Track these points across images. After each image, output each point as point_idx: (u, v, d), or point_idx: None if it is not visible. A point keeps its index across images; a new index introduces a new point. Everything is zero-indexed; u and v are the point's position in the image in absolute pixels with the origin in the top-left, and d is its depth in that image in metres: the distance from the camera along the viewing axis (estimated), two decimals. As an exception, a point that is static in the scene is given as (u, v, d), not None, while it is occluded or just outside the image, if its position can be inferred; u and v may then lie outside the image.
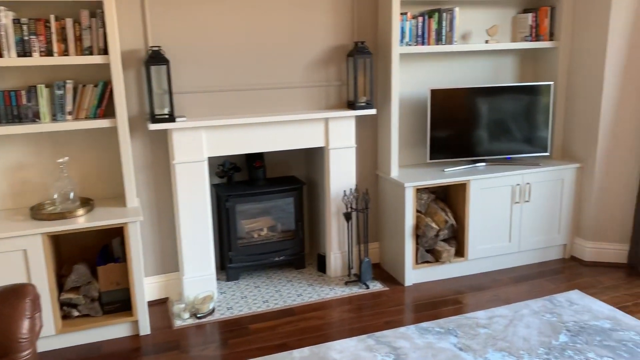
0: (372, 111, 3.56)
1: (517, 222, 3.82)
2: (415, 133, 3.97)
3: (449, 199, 3.86)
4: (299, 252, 3.88)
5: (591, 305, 3.26)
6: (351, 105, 3.60)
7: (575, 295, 3.41)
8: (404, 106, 3.89)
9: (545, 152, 3.95)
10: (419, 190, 3.67)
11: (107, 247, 3.25)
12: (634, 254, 3.75)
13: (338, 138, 3.59)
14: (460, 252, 3.78)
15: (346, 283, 3.67)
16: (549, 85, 3.85)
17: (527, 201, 3.80)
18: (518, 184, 3.76)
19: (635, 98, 3.62)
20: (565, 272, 3.80)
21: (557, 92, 3.99)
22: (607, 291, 3.47)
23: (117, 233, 3.18)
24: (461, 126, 3.80)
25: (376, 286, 3.64)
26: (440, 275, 3.75)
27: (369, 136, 3.86)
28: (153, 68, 3.14)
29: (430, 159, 3.80)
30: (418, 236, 3.64)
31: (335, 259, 3.76)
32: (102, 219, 2.92)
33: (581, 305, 3.27)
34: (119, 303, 3.10)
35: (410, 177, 3.64)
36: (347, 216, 3.56)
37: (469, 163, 3.95)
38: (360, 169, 3.88)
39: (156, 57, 3.09)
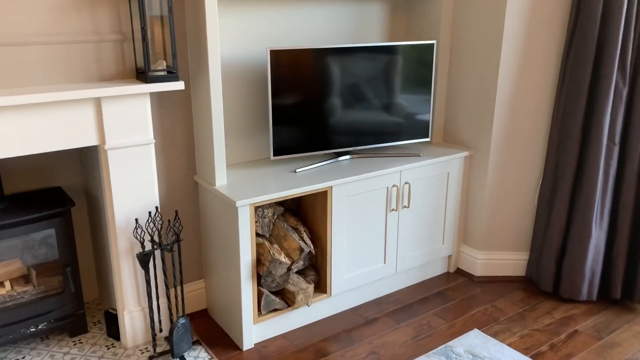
0: (177, 85, 2.18)
1: (394, 236, 2.78)
2: (255, 115, 2.68)
3: (304, 210, 2.68)
4: (74, 312, 2.43)
5: (500, 358, 2.36)
6: (142, 74, 2.17)
7: (476, 339, 2.49)
8: (235, 75, 2.56)
9: (426, 137, 2.93)
10: (260, 207, 2.42)
11: None
12: (533, 265, 2.94)
13: (122, 130, 2.16)
14: (320, 286, 2.65)
15: (151, 359, 2.33)
16: (431, 45, 2.79)
17: (405, 207, 2.77)
18: (395, 185, 2.69)
19: (542, 62, 2.72)
20: (455, 296, 2.88)
21: (439, 54, 2.96)
22: (513, 326, 2.60)
23: None
24: (316, 105, 2.60)
25: (200, 358, 2.36)
26: (294, 324, 2.59)
27: (181, 123, 2.49)
28: None
29: (276, 154, 2.56)
30: (261, 276, 2.41)
31: (133, 320, 2.39)
32: None
33: (488, 359, 2.35)
34: None
35: (245, 186, 2.36)
36: (143, 260, 2.18)
37: (328, 157, 2.78)
38: (168, 175, 2.51)
39: None
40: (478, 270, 3.04)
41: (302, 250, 2.44)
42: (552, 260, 2.81)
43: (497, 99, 2.77)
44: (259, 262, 2.38)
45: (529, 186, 2.91)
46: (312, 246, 2.52)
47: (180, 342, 2.29)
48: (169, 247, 2.20)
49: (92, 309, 2.69)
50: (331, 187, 2.46)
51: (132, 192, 2.23)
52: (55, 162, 2.45)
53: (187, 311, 2.68)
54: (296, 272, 2.59)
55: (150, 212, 2.23)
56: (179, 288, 2.58)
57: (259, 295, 2.41)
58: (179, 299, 2.54)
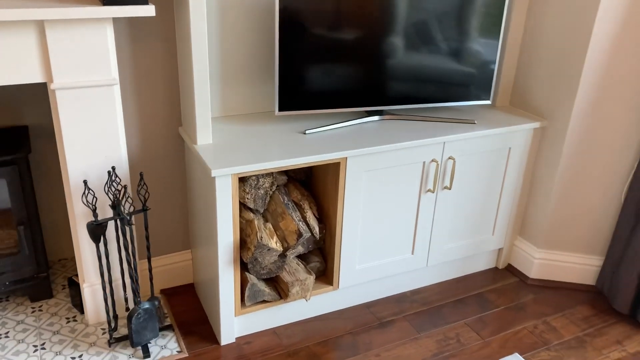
0: (145, 9, 1.64)
1: (427, 222, 2.20)
2: (260, 54, 2.11)
3: (315, 180, 2.14)
4: (34, 275, 2.08)
5: (544, 403, 1.80)
6: (102, -7, 1.66)
7: (515, 369, 1.93)
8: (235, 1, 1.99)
9: (486, 98, 2.26)
10: (250, 177, 1.90)
11: None
12: (607, 274, 2.29)
13: (75, 65, 1.68)
14: (327, 275, 2.16)
15: (110, 343, 1.96)
16: (506, -25, 2.07)
17: (446, 187, 2.17)
18: (434, 160, 2.09)
19: (658, 11, 1.94)
20: (500, 302, 2.30)
21: (516, -11, 2.23)
22: (567, 356, 2.01)
23: None
24: (339, 44, 1.99)
25: (167, 349, 1.96)
26: (289, 317, 2.13)
27: (162, 60, 1.97)
28: None
29: (282, 109, 2.01)
30: (246, 263, 1.94)
31: (95, 294, 2.01)
32: None
33: (526, 403, 1.80)
34: None
35: (234, 148, 1.85)
36: (94, 231, 1.75)
37: (351, 117, 2.20)
38: (145, 126, 2.02)
39: None
40: (534, 272, 2.43)
41: (300, 233, 1.93)
42: (634, 273, 2.15)
43: (589, 54, 2.04)
44: (244, 244, 1.90)
45: (615, 175, 2.20)
46: (316, 229, 2.00)
47: (141, 329, 1.90)
48: (127, 218, 1.75)
49: (68, 267, 2.35)
50: (345, 158, 1.90)
51: (90, 145, 1.78)
52: (23, 95, 2.04)
53: (170, 285, 2.28)
54: (297, 256, 2.10)
55: (109, 173, 1.78)
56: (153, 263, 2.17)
57: (243, 283, 1.95)
58: (148, 277, 2.14)
